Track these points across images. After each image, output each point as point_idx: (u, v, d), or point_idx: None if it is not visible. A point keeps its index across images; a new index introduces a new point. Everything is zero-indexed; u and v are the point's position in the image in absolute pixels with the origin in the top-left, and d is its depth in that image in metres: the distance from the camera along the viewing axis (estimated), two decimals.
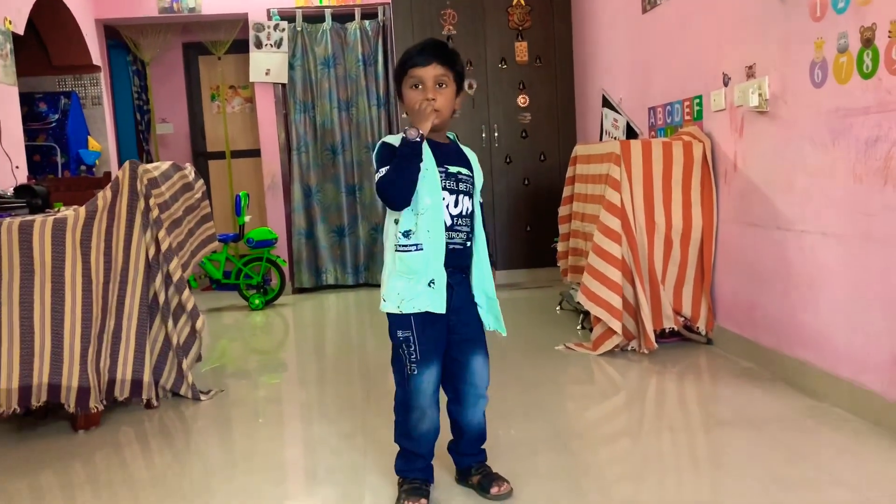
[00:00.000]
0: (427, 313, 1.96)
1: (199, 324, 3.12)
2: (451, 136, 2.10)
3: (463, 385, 2.07)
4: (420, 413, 2.01)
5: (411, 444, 2.07)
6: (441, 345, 2.02)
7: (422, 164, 1.92)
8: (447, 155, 2.01)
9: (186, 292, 3.07)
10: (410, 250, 1.94)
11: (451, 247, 1.98)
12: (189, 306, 3.09)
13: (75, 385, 2.75)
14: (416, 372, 1.98)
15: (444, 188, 1.96)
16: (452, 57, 2.00)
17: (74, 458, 2.60)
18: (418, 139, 1.90)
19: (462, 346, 2.05)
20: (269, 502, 2.18)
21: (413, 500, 2.00)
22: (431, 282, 1.94)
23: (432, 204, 1.94)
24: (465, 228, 2.01)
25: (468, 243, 2.03)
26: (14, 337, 2.73)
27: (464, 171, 2.02)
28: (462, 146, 2.10)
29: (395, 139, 1.97)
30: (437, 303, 1.95)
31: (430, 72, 1.96)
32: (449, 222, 1.97)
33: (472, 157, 2.09)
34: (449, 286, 1.99)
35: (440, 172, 1.96)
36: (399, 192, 1.92)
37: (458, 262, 2.02)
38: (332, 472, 2.36)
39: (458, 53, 2.04)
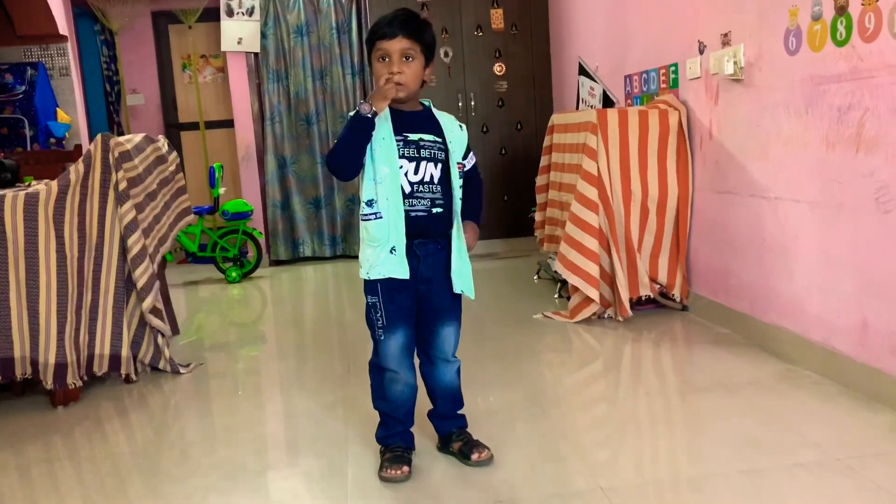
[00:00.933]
0: (392, 280, 1.99)
1: (145, 304, 2.99)
2: (426, 104, 2.09)
3: (431, 350, 2.13)
4: (391, 375, 2.07)
5: (387, 407, 2.11)
6: (409, 312, 2.05)
7: (379, 135, 1.94)
8: (410, 123, 2.00)
9: (141, 268, 2.97)
10: (371, 219, 1.97)
11: (414, 214, 1.98)
12: (140, 283, 2.97)
13: (52, 361, 2.73)
14: (382, 337, 2.04)
15: (403, 156, 1.97)
16: (420, 29, 1.97)
17: (54, 434, 2.60)
18: (369, 115, 1.91)
19: (432, 316, 2.09)
20: (251, 474, 2.20)
21: (395, 468, 2.03)
22: (393, 248, 1.97)
23: (390, 173, 1.95)
24: (429, 195, 2.00)
25: (435, 210, 2.01)
26: None
27: (427, 137, 2.00)
28: (438, 112, 2.08)
29: None
30: (399, 269, 1.98)
31: (396, 45, 1.94)
32: (408, 189, 1.98)
33: (447, 122, 2.07)
34: (416, 256, 2.00)
35: (398, 141, 1.96)
36: (343, 163, 1.96)
37: (425, 230, 2.01)
38: (315, 443, 2.38)
39: (428, 24, 2.02)
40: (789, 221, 2.80)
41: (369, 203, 1.97)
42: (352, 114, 1.96)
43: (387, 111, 1.96)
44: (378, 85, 1.96)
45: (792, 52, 2.70)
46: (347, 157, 1.95)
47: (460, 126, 2.11)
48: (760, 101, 2.93)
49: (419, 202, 1.99)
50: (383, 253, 1.97)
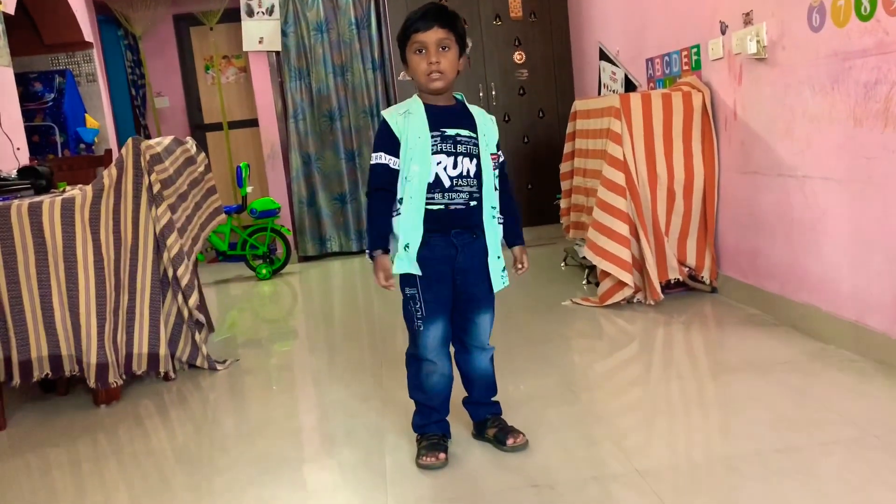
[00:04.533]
0: (432, 271, 2.03)
1: (191, 301, 3.10)
2: (459, 97, 2.12)
3: (468, 339, 2.16)
4: (429, 365, 2.10)
5: (424, 397, 2.15)
6: (447, 302, 2.09)
7: (415, 133, 1.99)
8: (447, 118, 2.04)
9: (182, 267, 3.05)
10: (394, 215, 2.04)
11: (454, 207, 2.02)
12: (184, 282, 3.06)
13: (94, 361, 2.80)
14: (422, 328, 2.07)
15: (441, 151, 2.00)
16: (453, 20, 2.02)
17: (99, 432, 2.67)
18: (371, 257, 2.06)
19: (469, 306, 2.12)
20: (290, 466, 2.24)
21: (432, 455, 2.07)
22: (406, 245, 2.02)
23: (420, 171, 1.99)
24: (468, 188, 2.04)
25: (472, 203, 2.05)
26: (37, 312, 2.79)
27: (463, 132, 2.03)
28: (470, 106, 2.12)
29: (393, 115, 2.03)
30: (410, 265, 2.03)
31: (433, 36, 1.98)
32: (448, 183, 2.01)
33: (480, 116, 2.10)
34: (454, 246, 2.04)
35: (434, 137, 2.00)
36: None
37: (463, 223, 2.05)
38: (351, 434, 2.42)
39: (458, 16, 2.06)
40: (818, 199, 2.78)
41: (400, 200, 2.03)
42: (387, 117, 2.03)
43: (422, 108, 2.02)
44: (419, 76, 2.01)
45: (815, 29, 2.68)
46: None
47: (492, 119, 2.14)
48: (785, 80, 2.91)
49: (458, 196, 2.03)
50: (400, 248, 2.03)
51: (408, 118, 2.02)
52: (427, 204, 2.01)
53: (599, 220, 3.49)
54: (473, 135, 2.06)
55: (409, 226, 2.01)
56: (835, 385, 2.39)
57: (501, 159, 2.14)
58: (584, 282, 4.08)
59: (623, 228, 3.43)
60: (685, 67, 3.74)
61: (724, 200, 3.49)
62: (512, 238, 2.18)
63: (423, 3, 2.08)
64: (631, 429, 2.26)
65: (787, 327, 3.00)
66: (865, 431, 2.03)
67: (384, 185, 2.04)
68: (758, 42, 3.01)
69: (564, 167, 4.28)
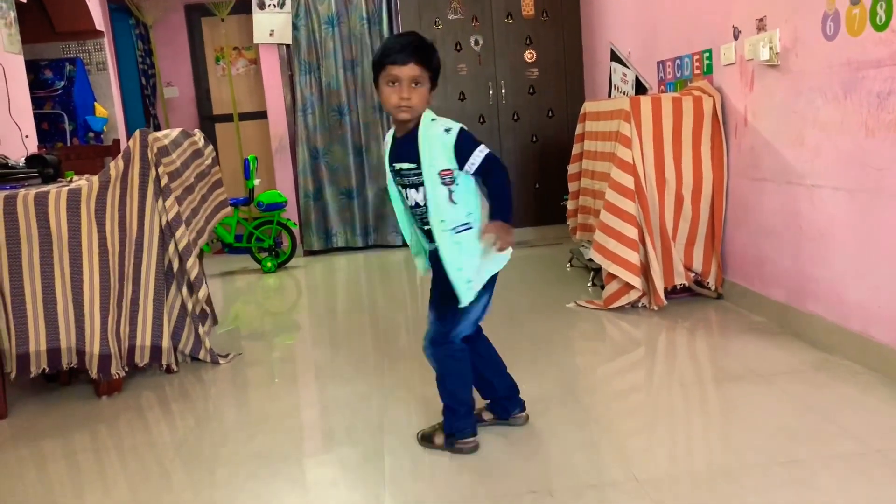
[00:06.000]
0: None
1: (201, 293, 3.12)
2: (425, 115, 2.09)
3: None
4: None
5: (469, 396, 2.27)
6: None
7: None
8: (399, 151, 2.11)
9: (191, 260, 3.06)
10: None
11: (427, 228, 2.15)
12: (192, 275, 3.07)
13: (96, 352, 2.81)
14: None
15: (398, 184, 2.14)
16: (429, 55, 2.03)
17: (99, 423, 2.67)
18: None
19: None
20: (289, 462, 2.24)
21: (471, 440, 2.18)
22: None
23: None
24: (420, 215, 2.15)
25: (426, 227, 2.14)
26: (38, 304, 2.79)
27: (405, 165, 2.08)
28: (422, 127, 2.05)
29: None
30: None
31: (407, 72, 1.99)
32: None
33: (425, 142, 2.04)
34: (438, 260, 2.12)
35: (391, 170, 2.14)
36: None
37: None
38: (351, 431, 2.42)
39: (435, 50, 2.06)
40: (827, 208, 2.77)
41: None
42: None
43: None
44: (388, 107, 2.04)
45: (829, 37, 2.66)
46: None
47: (446, 130, 2.03)
48: (797, 87, 2.88)
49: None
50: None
51: None
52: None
53: (607, 222, 3.48)
54: (414, 166, 2.06)
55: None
56: (838, 396, 2.38)
57: (477, 164, 2.01)
58: (589, 284, 4.07)
59: (631, 232, 3.41)
60: (696, 71, 3.72)
61: (732, 206, 3.47)
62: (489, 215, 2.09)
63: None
64: (631, 435, 2.26)
65: (791, 336, 2.98)
66: (868, 445, 2.01)
67: None
68: (770, 48, 2.98)
69: (572, 168, 4.26)
